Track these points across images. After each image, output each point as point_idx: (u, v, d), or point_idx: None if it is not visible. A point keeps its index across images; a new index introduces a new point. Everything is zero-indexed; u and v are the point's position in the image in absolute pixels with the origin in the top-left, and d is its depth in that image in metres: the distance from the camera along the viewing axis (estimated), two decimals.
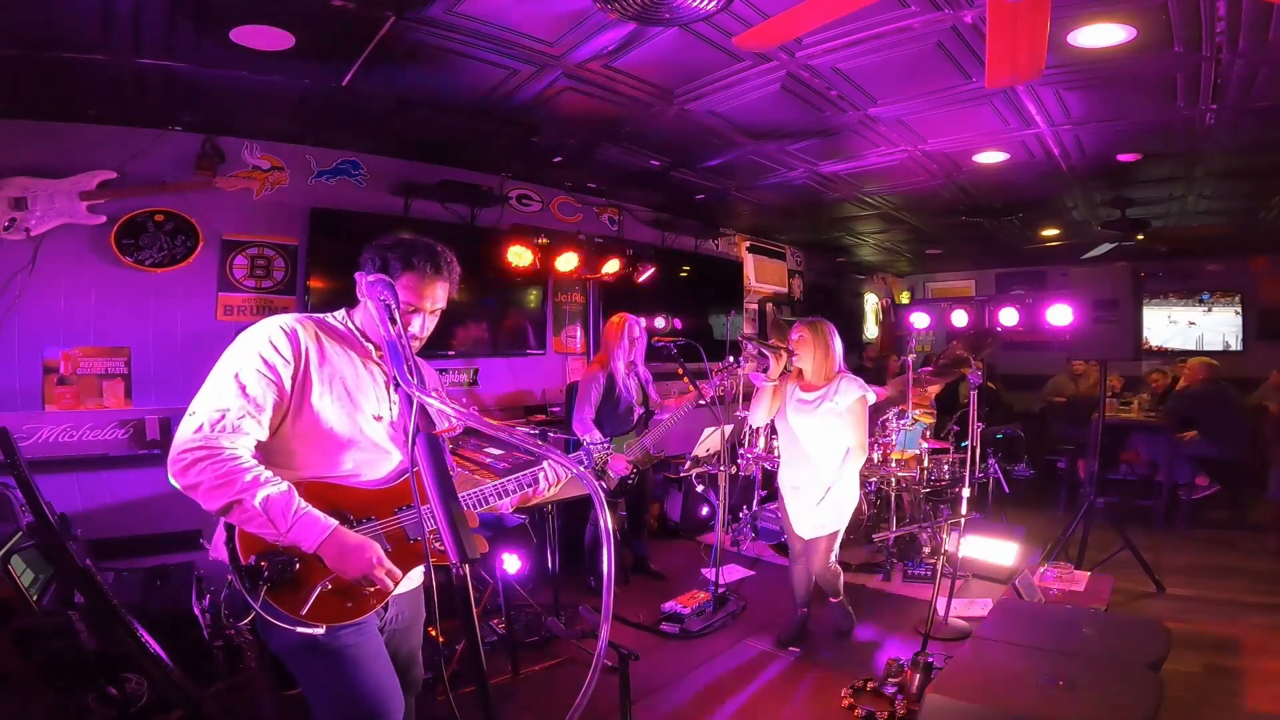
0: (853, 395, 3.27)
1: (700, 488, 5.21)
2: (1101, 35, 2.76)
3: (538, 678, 3.16)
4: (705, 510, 5.42)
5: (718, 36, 2.80)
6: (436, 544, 1.59)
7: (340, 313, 1.77)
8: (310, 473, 1.59)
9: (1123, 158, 4.42)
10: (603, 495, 1.08)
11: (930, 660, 2.82)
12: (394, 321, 1.40)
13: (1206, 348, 8.10)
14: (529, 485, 1.87)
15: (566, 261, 5.11)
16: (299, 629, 1.45)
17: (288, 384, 1.56)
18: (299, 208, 4.09)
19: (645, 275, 5.64)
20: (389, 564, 1.51)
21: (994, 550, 4.32)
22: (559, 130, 4.03)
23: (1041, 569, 3.65)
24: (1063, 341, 5.68)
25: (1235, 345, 8.11)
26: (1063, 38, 2.76)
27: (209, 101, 3.38)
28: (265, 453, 1.54)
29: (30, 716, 2.14)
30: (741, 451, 5.07)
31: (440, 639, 1.83)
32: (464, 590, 1.17)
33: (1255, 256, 7.85)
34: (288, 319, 1.62)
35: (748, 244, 7.46)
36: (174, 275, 3.70)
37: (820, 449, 3.33)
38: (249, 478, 1.43)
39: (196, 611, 2.77)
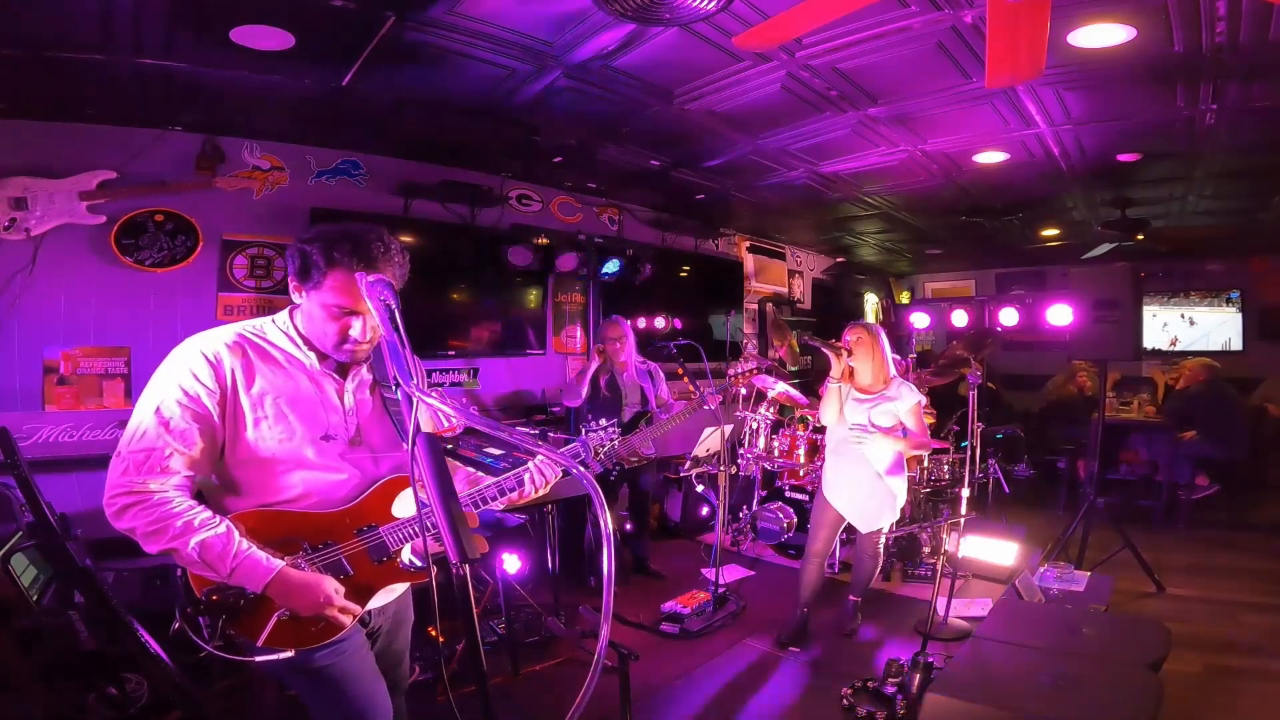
0: (912, 399, 3.42)
1: (700, 488, 5.21)
2: (1101, 35, 2.76)
3: (538, 678, 3.16)
4: (705, 510, 5.42)
5: (718, 36, 2.80)
6: (405, 561, 1.56)
7: (282, 317, 1.62)
8: (259, 501, 1.50)
9: (1123, 158, 4.41)
10: (603, 495, 1.08)
11: (930, 660, 2.82)
12: (394, 323, 1.31)
13: (1209, 347, 8.10)
14: (512, 490, 1.74)
15: (566, 261, 5.11)
16: (259, 657, 1.41)
17: (215, 412, 1.45)
18: (299, 208, 4.09)
19: (645, 275, 5.64)
20: (341, 600, 1.45)
21: (994, 550, 4.32)
22: (559, 130, 4.02)
23: (1041, 569, 3.65)
24: (1063, 341, 5.68)
25: (1236, 344, 8.10)
26: (1063, 38, 2.76)
27: (209, 101, 3.38)
28: (215, 485, 1.50)
29: (30, 716, 2.14)
30: (741, 451, 5.08)
31: (440, 639, 1.81)
32: (464, 590, 1.16)
33: (1255, 256, 7.84)
34: (212, 340, 1.50)
35: (748, 244, 7.46)
36: (174, 275, 3.70)
37: (874, 448, 3.44)
38: (180, 524, 1.36)
39: None
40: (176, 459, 1.40)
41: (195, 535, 1.36)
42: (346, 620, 1.46)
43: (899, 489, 3.49)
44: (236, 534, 1.40)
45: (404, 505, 1.60)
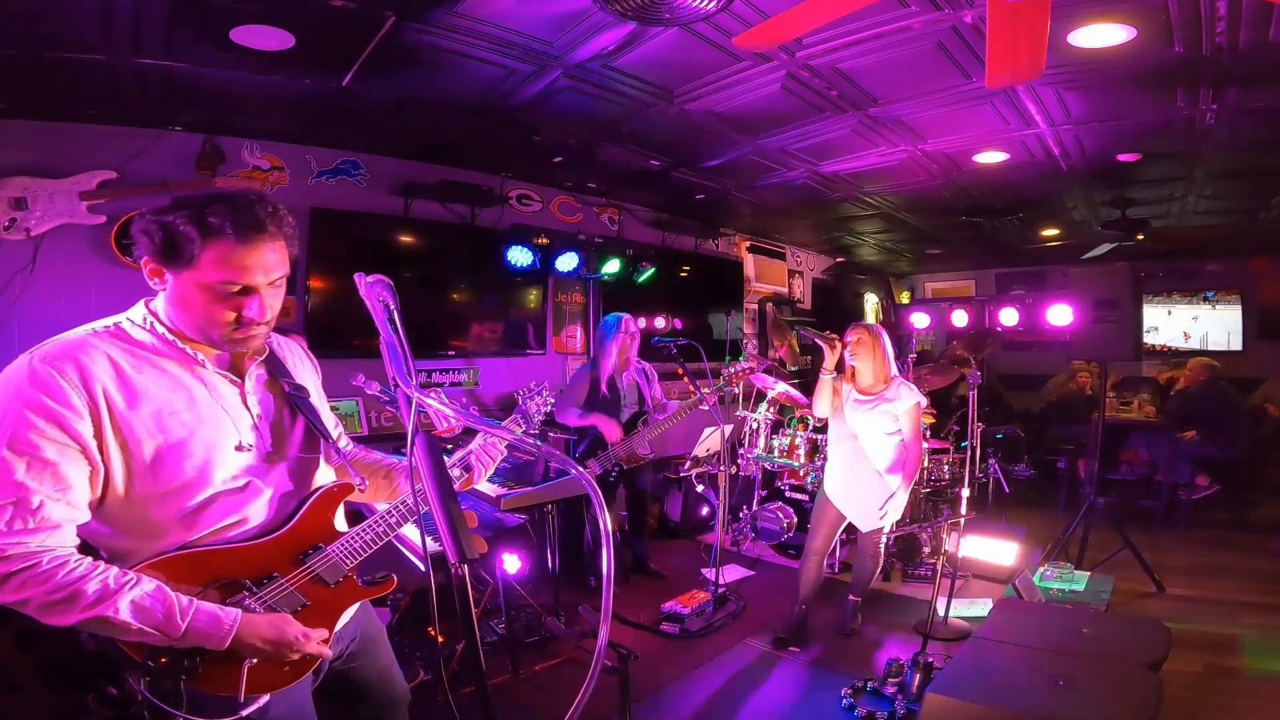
0: (911, 400, 3.41)
1: (700, 488, 5.21)
2: (1101, 35, 2.76)
3: (538, 678, 3.16)
4: (705, 510, 5.42)
5: (718, 36, 2.80)
6: (363, 577, 1.44)
7: (138, 312, 1.29)
8: (169, 543, 1.22)
9: (1123, 158, 4.41)
10: (602, 496, 1.08)
11: (930, 660, 2.82)
12: (392, 324, 1.24)
13: (1210, 347, 8.11)
14: (459, 478, 1.61)
15: (566, 261, 5.11)
16: (245, 711, 1.24)
17: (90, 444, 1.14)
18: (299, 208, 4.09)
19: (645, 275, 5.64)
20: (314, 633, 1.28)
21: (994, 550, 4.32)
22: (559, 130, 4.03)
23: (1041, 569, 3.65)
24: (1063, 341, 5.69)
25: (1236, 344, 8.10)
26: (1063, 38, 2.76)
27: (209, 101, 3.38)
28: (104, 533, 1.21)
29: (30, 716, 2.14)
30: (741, 451, 5.08)
31: (440, 639, 1.80)
32: (464, 590, 1.16)
33: (1255, 256, 7.84)
34: (61, 351, 1.16)
35: (748, 244, 7.46)
36: None
37: (877, 447, 3.47)
38: (92, 586, 1.09)
39: None
40: (51, 507, 1.10)
41: (120, 597, 1.10)
42: (327, 651, 1.32)
43: (900, 491, 3.48)
44: (165, 587, 1.15)
45: (342, 517, 1.49)
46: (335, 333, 4.15)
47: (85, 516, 1.16)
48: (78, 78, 2.95)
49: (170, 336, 1.27)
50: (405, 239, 4.62)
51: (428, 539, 1.41)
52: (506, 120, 3.80)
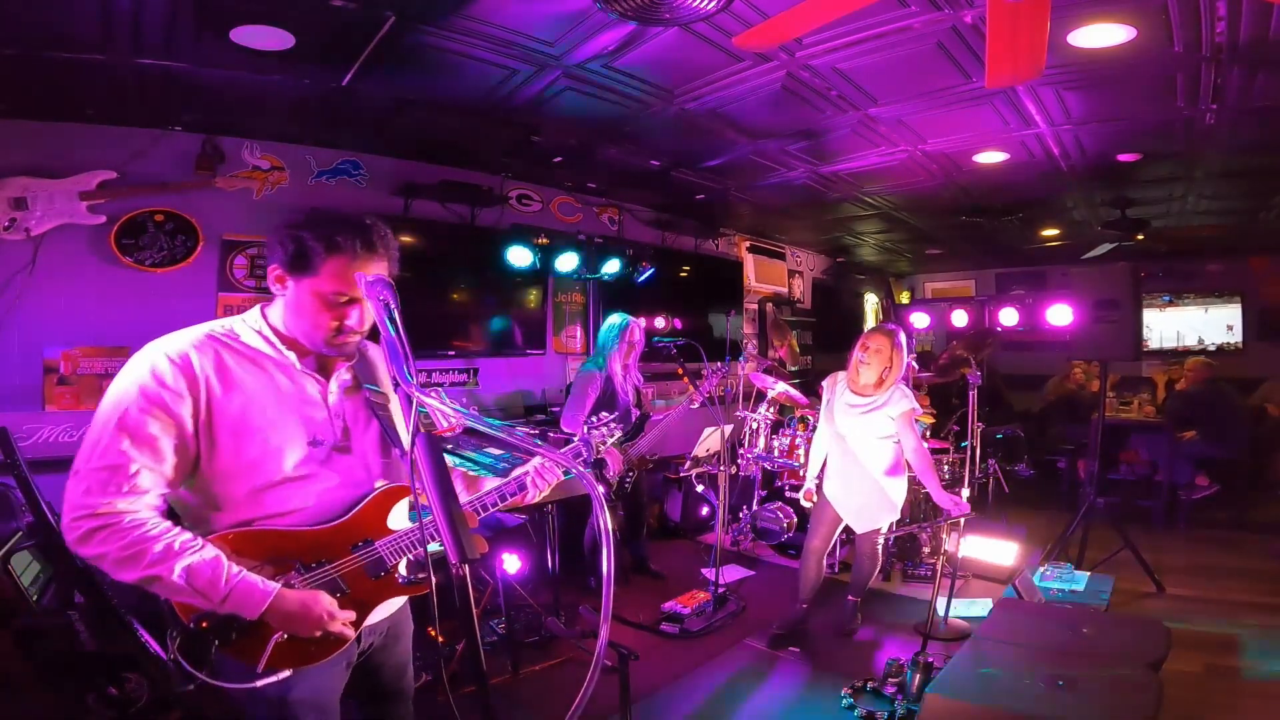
0: (902, 406, 3.39)
1: (700, 488, 5.21)
2: (1101, 35, 2.76)
3: (538, 678, 3.16)
4: (705, 510, 5.42)
5: (718, 36, 2.80)
6: (403, 575, 1.49)
7: (253, 315, 1.47)
8: (241, 517, 1.36)
9: (1123, 158, 4.42)
10: (602, 495, 1.08)
11: (930, 660, 2.82)
12: (393, 323, 1.27)
13: (1209, 343, 8.11)
14: (513, 494, 1.68)
15: (566, 261, 5.11)
16: (260, 681, 1.31)
17: (188, 422, 1.31)
18: (299, 208, 4.05)
19: (645, 275, 5.64)
20: (341, 614, 1.36)
21: (994, 550, 4.32)
22: (559, 130, 4.02)
23: (1041, 569, 3.65)
24: (1063, 341, 5.69)
25: (1236, 345, 8.10)
26: (1063, 38, 2.76)
27: (209, 101, 3.38)
28: (189, 501, 1.36)
29: (30, 716, 2.14)
30: (741, 451, 5.08)
31: (440, 639, 1.80)
32: (464, 590, 1.16)
33: (1255, 256, 7.85)
34: (177, 342, 1.36)
35: (748, 244, 7.47)
36: (174, 275, 3.70)
37: (867, 448, 3.45)
38: (159, 548, 1.23)
39: None
40: (145, 475, 1.26)
41: (179, 560, 1.23)
42: (350, 633, 1.39)
43: (896, 490, 3.49)
44: (224, 557, 1.28)
45: (400, 517, 1.54)
46: None
47: (172, 485, 1.31)
48: (78, 78, 2.95)
49: (273, 338, 1.44)
50: (405, 239, 4.62)
51: (428, 540, 1.41)
52: (506, 120, 3.80)
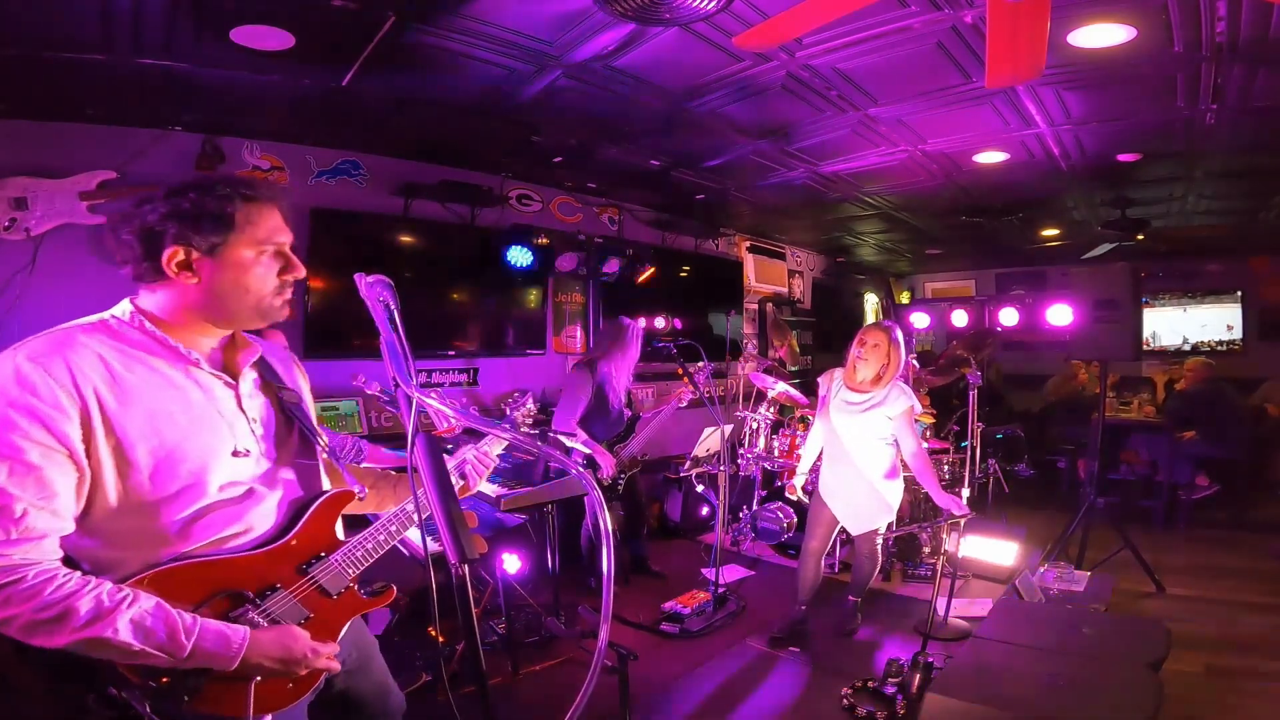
0: (900, 404, 3.35)
1: (700, 488, 5.21)
2: (1101, 35, 2.76)
3: (538, 678, 3.16)
4: (705, 510, 5.42)
5: (718, 36, 2.80)
6: (365, 587, 1.40)
7: (123, 308, 1.22)
8: (171, 553, 1.14)
9: (1123, 158, 4.41)
10: (602, 496, 1.08)
11: (930, 660, 2.82)
12: (392, 323, 1.22)
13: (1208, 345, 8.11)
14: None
15: (566, 261, 5.11)
16: None
17: (79, 448, 1.06)
18: (299, 208, 4.07)
19: (645, 275, 5.64)
20: (323, 646, 1.24)
21: (994, 550, 4.32)
22: (559, 130, 4.02)
23: (1041, 569, 3.65)
24: (1063, 341, 5.67)
25: (1234, 345, 8.10)
26: (1063, 38, 2.76)
27: (209, 101, 3.38)
28: (88, 545, 1.12)
29: (30, 717, 2.14)
30: (741, 451, 5.07)
31: (440, 639, 1.79)
32: (463, 590, 1.16)
33: (1255, 256, 7.85)
34: (48, 347, 1.10)
35: (748, 244, 7.47)
36: None
37: (862, 449, 3.41)
38: (86, 604, 1.01)
39: None
40: (39, 517, 1.02)
41: (120, 614, 1.02)
42: (336, 666, 1.27)
43: (892, 493, 3.46)
44: (163, 603, 1.08)
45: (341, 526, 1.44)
46: (335, 333, 4.15)
47: (70, 527, 1.07)
48: (78, 78, 2.95)
49: (160, 333, 1.20)
50: (405, 239, 4.62)
51: (428, 539, 1.41)
52: (506, 120, 3.80)
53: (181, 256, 1.18)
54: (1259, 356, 7.69)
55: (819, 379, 3.69)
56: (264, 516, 1.28)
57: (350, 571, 1.36)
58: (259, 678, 1.17)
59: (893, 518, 3.52)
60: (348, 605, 1.37)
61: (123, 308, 1.24)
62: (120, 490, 1.11)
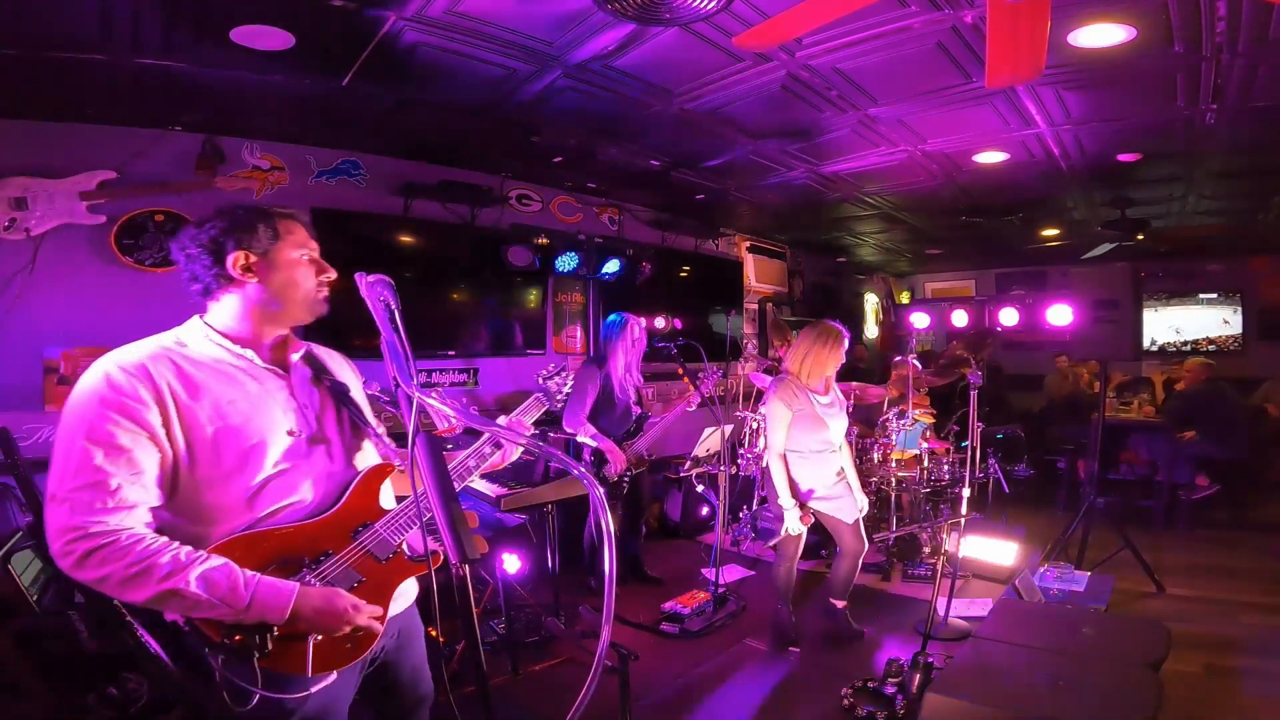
0: (770, 401, 3.49)
1: (700, 488, 5.20)
2: (1101, 35, 2.77)
3: (538, 678, 3.16)
4: (705, 510, 5.42)
5: (718, 36, 2.80)
6: (410, 551, 1.49)
7: (194, 325, 1.45)
8: (233, 525, 1.33)
9: (1123, 158, 4.42)
10: (603, 496, 1.08)
11: (930, 660, 2.82)
12: (393, 323, 1.28)
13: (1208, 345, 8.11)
14: (491, 455, 1.70)
15: (566, 261, 5.11)
16: (314, 688, 1.31)
17: (159, 432, 1.27)
18: (299, 208, 4.07)
19: (645, 275, 5.64)
20: (365, 605, 1.35)
21: (994, 550, 4.32)
22: (559, 130, 4.02)
23: (1041, 569, 3.65)
24: (1063, 341, 5.69)
25: (1234, 345, 8.10)
26: (1063, 38, 2.76)
27: (209, 101, 3.38)
28: (177, 522, 1.30)
29: (30, 716, 2.14)
30: (741, 451, 5.07)
31: (440, 639, 1.80)
32: (464, 590, 1.16)
33: (1255, 256, 7.85)
34: (129, 355, 1.32)
35: (748, 244, 7.47)
36: (174, 275, 3.65)
37: (843, 443, 3.58)
38: (167, 559, 1.19)
39: None
40: (131, 490, 1.22)
41: (192, 570, 1.19)
42: (378, 627, 1.38)
43: (855, 481, 3.59)
44: (232, 563, 1.25)
45: (390, 495, 1.56)
46: (335, 333, 4.08)
47: (156, 499, 1.27)
48: (78, 78, 2.95)
49: (224, 342, 1.42)
50: (405, 239, 4.62)
51: (428, 539, 1.41)
52: (506, 120, 3.80)
53: (244, 260, 1.40)
54: (1259, 356, 7.69)
55: (777, 399, 3.43)
56: (317, 490, 1.44)
57: (395, 538, 1.48)
58: (316, 635, 1.31)
59: (864, 502, 3.61)
60: (397, 569, 1.48)
61: (194, 323, 1.47)
62: (196, 470, 1.31)
